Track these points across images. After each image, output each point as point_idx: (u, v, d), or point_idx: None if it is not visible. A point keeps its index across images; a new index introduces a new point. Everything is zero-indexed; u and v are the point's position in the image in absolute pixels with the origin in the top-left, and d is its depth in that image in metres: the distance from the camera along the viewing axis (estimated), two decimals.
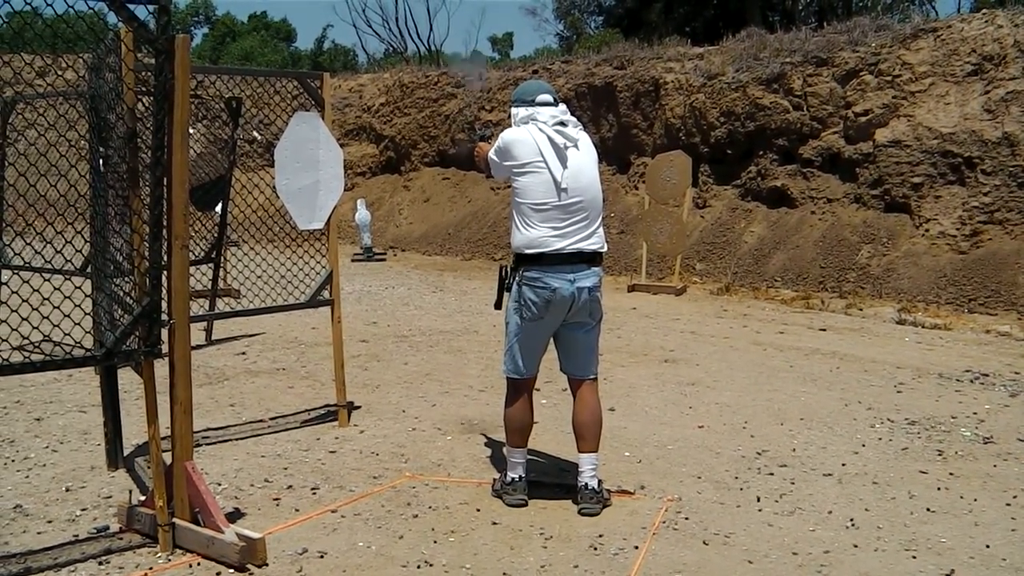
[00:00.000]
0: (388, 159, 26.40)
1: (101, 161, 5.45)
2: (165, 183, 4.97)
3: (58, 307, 4.83)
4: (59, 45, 4.95)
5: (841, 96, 17.21)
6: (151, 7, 4.86)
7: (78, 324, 5.08)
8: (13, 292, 4.94)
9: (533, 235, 5.74)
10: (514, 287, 5.86)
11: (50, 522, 5.71)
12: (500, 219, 21.52)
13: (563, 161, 5.75)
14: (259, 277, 8.37)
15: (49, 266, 5.58)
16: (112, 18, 4.94)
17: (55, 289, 4.95)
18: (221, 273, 11.55)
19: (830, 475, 6.65)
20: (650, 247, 16.97)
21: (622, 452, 7.11)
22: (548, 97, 6.00)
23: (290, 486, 6.33)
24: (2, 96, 10.54)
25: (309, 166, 7.30)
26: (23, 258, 6.37)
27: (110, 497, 6.11)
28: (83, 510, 5.91)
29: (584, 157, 5.87)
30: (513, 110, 6.06)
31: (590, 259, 5.80)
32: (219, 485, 6.32)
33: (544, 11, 51.38)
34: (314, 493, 6.23)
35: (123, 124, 4.98)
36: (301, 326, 12.22)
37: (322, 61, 53.08)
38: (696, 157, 18.30)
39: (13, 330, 4.87)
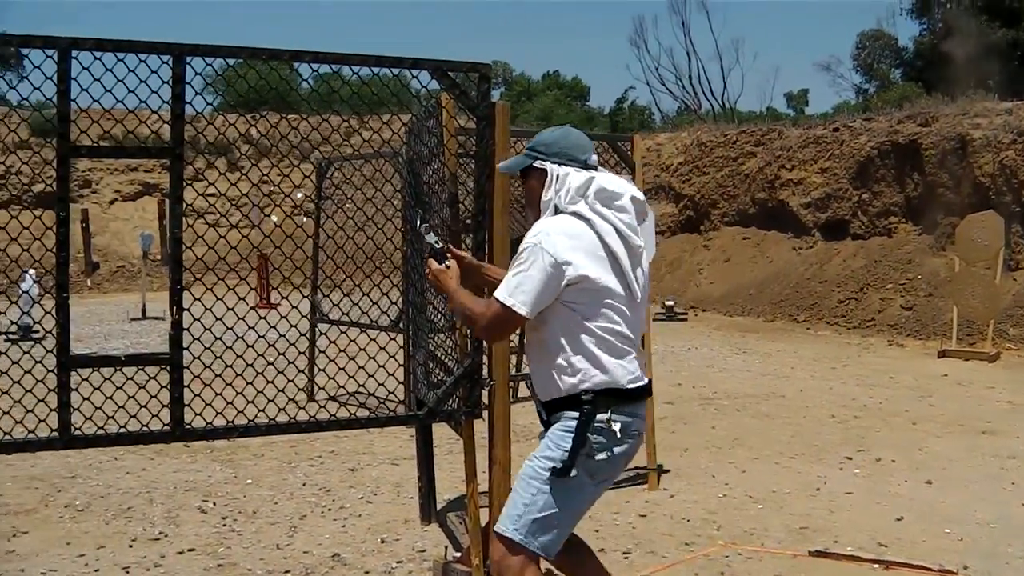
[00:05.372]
0: (687, 218, 26.33)
1: (419, 221, 5.58)
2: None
3: (373, 358, 4.97)
4: (363, 107, 5.10)
5: None
6: (472, 75, 4.97)
7: (392, 375, 5.21)
8: (331, 342, 5.12)
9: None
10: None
11: (367, 572, 5.88)
12: (803, 280, 21.16)
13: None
14: None
15: (364, 320, 5.73)
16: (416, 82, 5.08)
17: (371, 340, 5.10)
18: None
19: None
20: (961, 311, 16.34)
21: (942, 528, 6.79)
22: (596, 158, 4.23)
23: (602, 549, 6.28)
24: (320, 154, 11.05)
25: None
26: (341, 309, 6.60)
27: (424, 551, 6.23)
28: (398, 562, 6.05)
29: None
30: (560, 169, 4.09)
31: None
32: None
33: (839, 67, 50.60)
34: (626, 557, 6.20)
35: (444, 188, 5.09)
36: None
37: (620, 121, 53.39)
38: (1007, 217, 17.53)
39: (330, 378, 5.05)
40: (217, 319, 4.59)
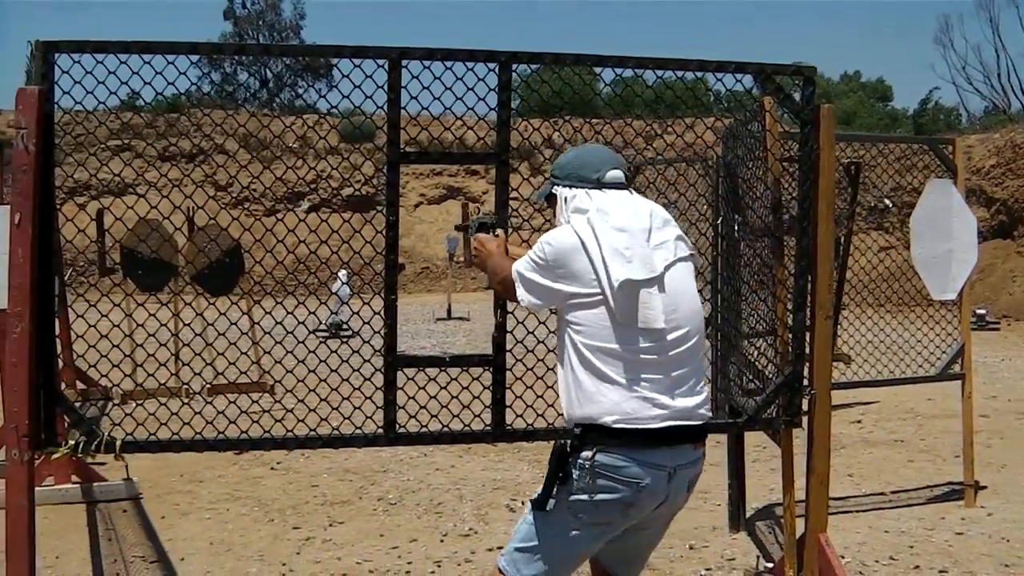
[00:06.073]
0: (1000, 223, 25.41)
1: (736, 226, 5.54)
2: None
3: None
4: (662, 112, 5.10)
5: None
6: (797, 78, 4.89)
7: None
8: None
9: None
10: None
11: None
12: None
13: None
14: (880, 343, 8.18)
15: None
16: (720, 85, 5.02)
17: None
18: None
19: None
20: None
21: None
22: (620, 173, 3.97)
23: (916, 566, 6.12)
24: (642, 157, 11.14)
25: (943, 235, 7.12)
26: None
27: (733, 559, 6.19)
28: (707, 570, 6.03)
29: None
30: (568, 192, 3.92)
31: None
32: (842, 558, 6.18)
33: None
34: None
35: (768, 193, 5.03)
36: (916, 397, 11.83)
37: (924, 123, 51.85)
38: None
39: None
40: (541, 323, 4.65)
